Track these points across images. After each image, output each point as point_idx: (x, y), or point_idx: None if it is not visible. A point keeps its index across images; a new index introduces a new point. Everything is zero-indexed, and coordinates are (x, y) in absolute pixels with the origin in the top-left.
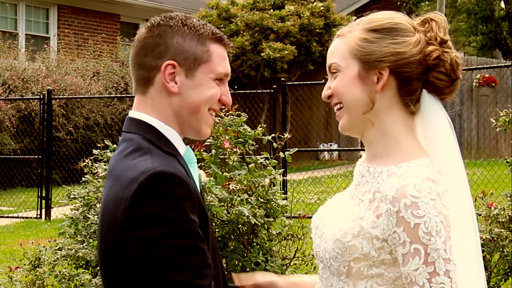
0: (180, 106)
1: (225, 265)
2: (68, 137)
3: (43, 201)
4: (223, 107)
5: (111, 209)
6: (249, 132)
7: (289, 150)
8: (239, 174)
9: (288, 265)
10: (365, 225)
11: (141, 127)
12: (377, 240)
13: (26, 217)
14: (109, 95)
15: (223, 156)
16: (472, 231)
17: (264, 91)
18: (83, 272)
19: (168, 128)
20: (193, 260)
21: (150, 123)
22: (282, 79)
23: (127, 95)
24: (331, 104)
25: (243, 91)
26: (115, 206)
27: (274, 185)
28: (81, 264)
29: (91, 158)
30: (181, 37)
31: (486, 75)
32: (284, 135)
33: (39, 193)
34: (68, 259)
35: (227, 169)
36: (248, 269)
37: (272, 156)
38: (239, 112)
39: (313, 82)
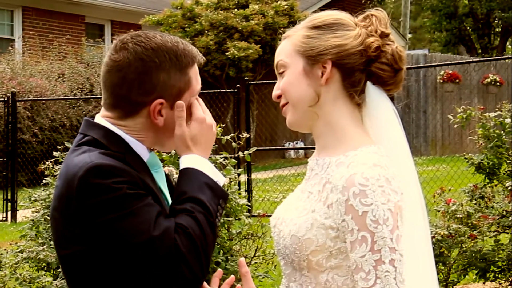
0: (160, 134)
1: None
2: (34, 139)
3: (9, 204)
4: None
5: (60, 207)
6: None
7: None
8: None
9: (248, 264)
10: (318, 217)
11: (93, 128)
12: (332, 230)
13: None
14: (74, 97)
15: None
16: (421, 215)
17: (228, 90)
18: (44, 274)
19: (129, 138)
20: (147, 216)
21: (104, 125)
22: (246, 78)
23: (93, 97)
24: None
25: (207, 91)
26: (62, 204)
27: (239, 184)
28: (42, 266)
29: (51, 160)
30: (166, 74)
31: (450, 71)
32: (243, 135)
33: (5, 196)
34: (29, 262)
35: None
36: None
37: (232, 156)
38: None
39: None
